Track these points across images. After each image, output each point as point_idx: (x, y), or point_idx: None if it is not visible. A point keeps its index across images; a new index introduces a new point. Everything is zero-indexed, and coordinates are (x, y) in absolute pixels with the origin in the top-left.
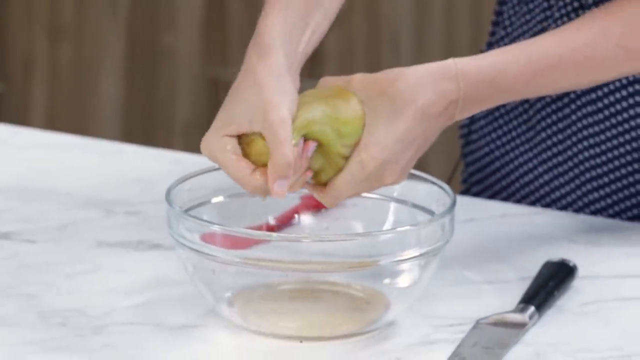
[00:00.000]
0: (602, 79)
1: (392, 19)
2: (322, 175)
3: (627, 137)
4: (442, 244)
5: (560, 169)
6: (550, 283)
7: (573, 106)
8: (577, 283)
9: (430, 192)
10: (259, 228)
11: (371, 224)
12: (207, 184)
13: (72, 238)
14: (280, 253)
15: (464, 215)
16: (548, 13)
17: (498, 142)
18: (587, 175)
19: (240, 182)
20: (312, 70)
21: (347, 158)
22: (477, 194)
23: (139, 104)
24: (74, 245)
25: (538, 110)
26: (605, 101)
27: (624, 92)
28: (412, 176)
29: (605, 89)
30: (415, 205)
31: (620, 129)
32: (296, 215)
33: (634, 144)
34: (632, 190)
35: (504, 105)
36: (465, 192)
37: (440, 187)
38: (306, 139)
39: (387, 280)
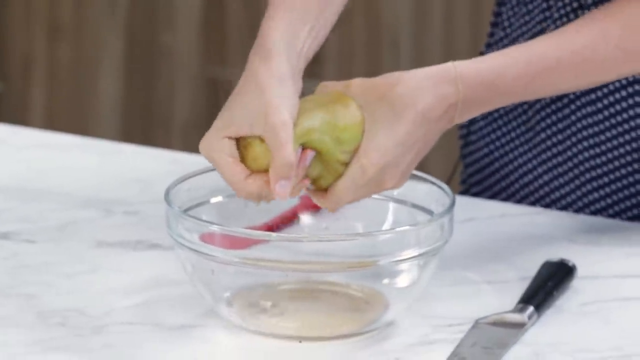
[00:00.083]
0: (601, 80)
1: (392, 21)
2: (322, 181)
3: (627, 137)
4: (441, 244)
5: (560, 169)
6: (550, 283)
7: (573, 107)
8: (576, 283)
9: (430, 192)
10: (258, 228)
11: (370, 224)
12: (206, 184)
13: (72, 238)
14: (280, 253)
15: (463, 215)
16: (547, 14)
17: (497, 143)
18: (587, 176)
19: (234, 187)
20: (311, 71)
21: (346, 164)
22: (476, 195)
23: (138, 103)
24: (73, 245)
25: (538, 111)
26: (605, 101)
27: (623, 93)
28: (412, 176)
29: (605, 90)
30: (414, 205)
31: (620, 129)
32: (295, 216)
33: (634, 144)
34: (632, 190)
35: (503, 107)
36: (464, 193)
37: (440, 187)
38: (304, 147)
39: (386, 280)
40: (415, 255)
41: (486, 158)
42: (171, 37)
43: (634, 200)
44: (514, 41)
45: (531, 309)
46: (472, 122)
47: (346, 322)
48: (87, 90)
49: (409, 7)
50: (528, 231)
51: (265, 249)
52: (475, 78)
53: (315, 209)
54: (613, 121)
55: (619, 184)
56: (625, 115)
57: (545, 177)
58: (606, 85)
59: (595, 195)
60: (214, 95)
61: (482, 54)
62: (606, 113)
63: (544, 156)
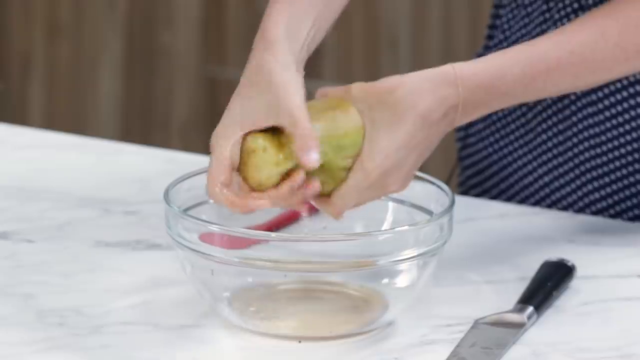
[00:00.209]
0: (601, 79)
1: (391, 20)
2: (325, 187)
3: (628, 137)
4: (440, 244)
5: (561, 170)
6: (549, 283)
7: (574, 107)
8: (575, 283)
9: (429, 192)
10: (258, 228)
11: (370, 223)
12: (205, 183)
13: (70, 237)
14: (279, 253)
15: (463, 215)
16: (547, 15)
17: (496, 146)
18: (588, 176)
19: (210, 184)
20: (311, 71)
21: (348, 169)
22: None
23: (137, 103)
24: (71, 245)
25: (539, 112)
26: (607, 102)
27: (625, 93)
28: None
29: (607, 90)
30: (413, 205)
31: (621, 129)
32: (295, 216)
33: (635, 145)
34: (634, 190)
35: (502, 109)
36: (462, 195)
37: (439, 187)
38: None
39: (385, 280)
40: (415, 255)
41: (485, 160)
42: (170, 36)
43: (635, 200)
44: (513, 44)
45: (530, 309)
46: (471, 124)
47: (346, 322)
48: (86, 89)
49: (407, 6)
50: (527, 231)
51: (264, 249)
52: (475, 79)
53: (314, 209)
54: (614, 122)
55: (620, 184)
56: (626, 116)
57: (546, 178)
58: (607, 86)
59: (597, 195)
60: (213, 95)
61: (479, 56)
62: (607, 114)
63: (544, 157)
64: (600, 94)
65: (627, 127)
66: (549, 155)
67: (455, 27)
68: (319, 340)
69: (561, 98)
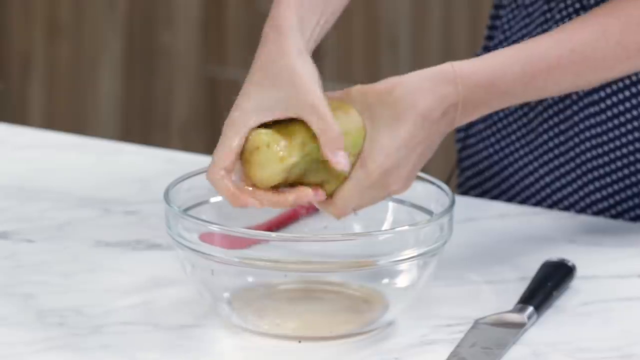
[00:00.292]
0: (602, 78)
1: (391, 20)
2: (326, 187)
3: (630, 137)
4: (440, 244)
5: (563, 170)
6: (549, 283)
7: (576, 107)
8: (576, 283)
9: (429, 192)
10: (258, 228)
11: (370, 223)
12: (205, 183)
13: (70, 237)
14: (279, 253)
15: (463, 215)
16: (548, 15)
17: (497, 146)
18: (590, 176)
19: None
20: None
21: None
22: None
23: (137, 103)
24: (71, 245)
25: (540, 113)
26: (609, 102)
27: (627, 93)
28: None
29: (608, 90)
30: (414, 205)
31: (623, 129)
32: (295, 215)
33: (637, 144)
34: (635, 190)
35: (502, 109)
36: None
37: (439, 187)
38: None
39: (385, 280)
40: (415, 256)
41: (485, 161)
42: (170, 36)
43: (636, 200)
44: (513, 44)
45: (531, 309)
46: (471, 125)
47: (346, 322)
48: (86, 89)
49: (407, 7)
50: (528, 231)
51: (265, 249)
52: (474, 78)
53: (314, 208)
54: (616, 122)
55: (621, 184)
56: (628, 116)
57: (547, 179)
58: (609, 86)
59: (598, 195)
60: (213, 95)
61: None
62: (609, 113)
63: (546, 157)
64: (602, 94)
65: (629, 126)
66: (551, 155)
67: (455, 27)
68: (319, 340)
69: (563, 98)
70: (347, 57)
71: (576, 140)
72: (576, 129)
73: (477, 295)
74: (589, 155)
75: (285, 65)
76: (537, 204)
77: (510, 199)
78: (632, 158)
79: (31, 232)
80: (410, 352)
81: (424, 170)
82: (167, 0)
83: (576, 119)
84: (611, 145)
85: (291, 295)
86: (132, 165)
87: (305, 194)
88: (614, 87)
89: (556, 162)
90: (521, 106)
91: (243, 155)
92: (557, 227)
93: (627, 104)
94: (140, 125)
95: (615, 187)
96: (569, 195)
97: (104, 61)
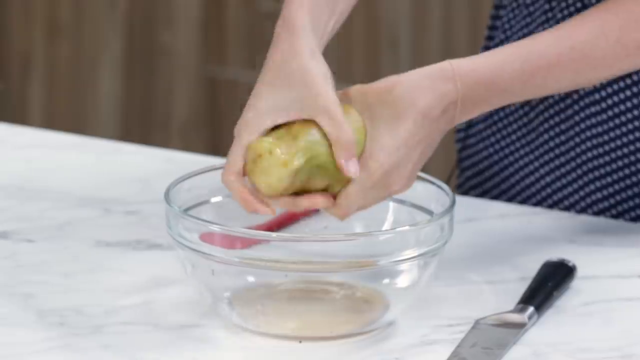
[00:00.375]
0: (602, 76)
1: (391, 20)
2: (329, 189)
3: (631, 137)
4: (441, 244)
5: (563, 170)
6: (550, 283)
7: (576, 107)
8: (576, 283)
9: (430, 192)
10: (258, 228)
11: (370, 223)
12: (206, 183)
13: (70, 237)
14: (280, 253)
15: (464, 215)
16: (549, 15)
17: (497, 146)
18: (591, 176)
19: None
20: None
21: None
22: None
23: (137, 103)
24: (72, 245)
25: (540, 112)
26: (609, 101)
27: (628, 93)
28: None
29: (609, 90)
30: (414, 205)
31: (624, 129)
32: (295, 215)
33: (638, 144)
34: (636, 190)
35: (502, 109)
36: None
37: (440, 187)
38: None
39: (386, 281)
40: (416, 256)
41: (486, 161)
42: (170, 36)
43: (637, 200)
44: None
45: (531, 309)
46: (471, 125)
47: (346, 322)
48: (86, 89)
49: (407, 7)
50: (528, 231)
51: (265, 249)
52: (473, 75)
53: (314, 209)
54: (617, 121)
55: (622, 184)
56: (629, 115)
57: (548, 179)
58: (610, 85)
59: (599, 195)
60: (213, 95)
61: None
62: (610, 113)
63: (546, 157)
64: (602, 94)
65: (630, 126)
66: (551, 155)
67: (455, 27)
68: (319, 340)
69: (563, 98)
70: (347, 57)
71: (577, 140)
72: (577, 129)
73: (478, 296)
74: (589, 155)
75: (298, 66)
76: (538, 204)
77: (510, 199)
78: (632, 158)
79: (31, 232)
80: (411, 352)
81: (424, 170)
82: (167, 0)
83: (577, 118)
84: (612, 145)
85: (292, 295)
86: (132, 165)
87: (322, 199)
88: (615, 87)
89: (556, 162)
90: (521, 106)
91: (246, 167)
92: (557, 227)
93: (628, 104)
94: (140, 125)
95: (616, 187)
96: (570, 195)
97: (104, 61)
